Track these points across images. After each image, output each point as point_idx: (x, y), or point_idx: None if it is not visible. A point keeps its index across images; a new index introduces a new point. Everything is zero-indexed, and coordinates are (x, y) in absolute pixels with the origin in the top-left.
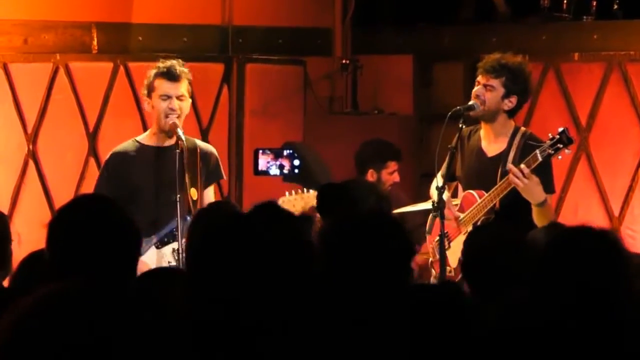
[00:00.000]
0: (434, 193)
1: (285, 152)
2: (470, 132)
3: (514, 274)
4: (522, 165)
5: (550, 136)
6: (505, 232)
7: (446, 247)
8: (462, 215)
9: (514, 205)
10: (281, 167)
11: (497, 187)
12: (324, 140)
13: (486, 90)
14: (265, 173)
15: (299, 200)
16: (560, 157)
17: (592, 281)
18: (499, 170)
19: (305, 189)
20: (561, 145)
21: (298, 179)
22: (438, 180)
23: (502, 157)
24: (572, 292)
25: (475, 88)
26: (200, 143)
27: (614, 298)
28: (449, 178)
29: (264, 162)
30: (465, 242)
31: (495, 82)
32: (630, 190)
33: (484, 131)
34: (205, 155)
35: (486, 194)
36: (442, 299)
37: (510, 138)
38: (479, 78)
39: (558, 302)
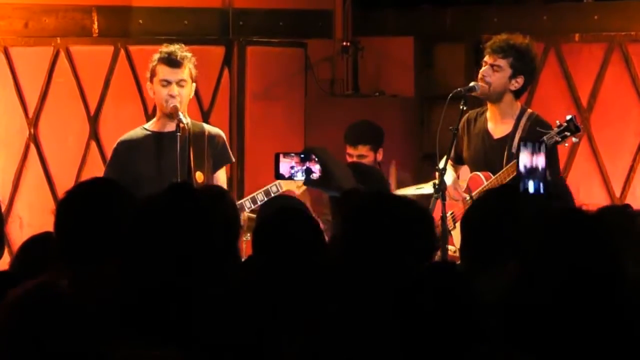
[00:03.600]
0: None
1: (308, 157)
2: (477, 115)
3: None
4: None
5: (558, 123)
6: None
7: (452, 227)
8: (468, 197)
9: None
10: (308, 171)
11: (505, 170)
12: (325, 122)
13: (493, 71)
14: (289, 178)
15: (293, 185)
16: (567, 144)
17: (584, 260)
18: (505, 152)
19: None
20: (568, 133)
21: (319, 184)
22: (441, 163)
23: (508, 139)
24: (564, 271)
25: (482, 68)
26: (208, 127)
27: (609, 277)
28: (456, 160)
29: (286, 166)
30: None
31: (502, 62)
32: (631, 171)
33: (490, 113)
34: (213, 138)
35: (493, 177)
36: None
37: (516, 120)
38: (486, 58)
39: (550, 279)
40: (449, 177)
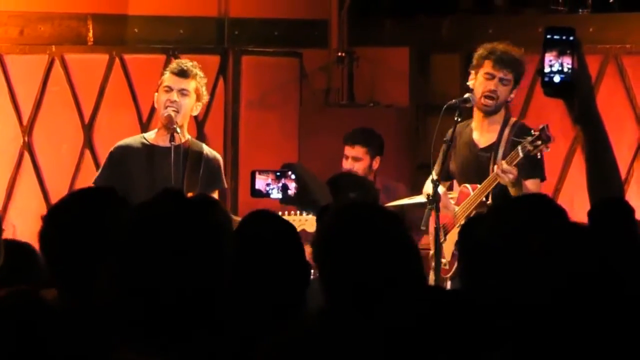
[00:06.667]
0: (428, 188)
1: (283, 174)
2: (462, 128)
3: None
4: (503, 162)
5: (532, 132)
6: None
7: (442, 239)
8: (457, 209)
9: (506, 198)
10: (284, 188)
11: (485, 182)
12: (319, 132)
13: (502, 85)
14: (265, 195)
15: (295, 223)
16: (539, 155)
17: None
18: (491, 163)
19: (300, 212)
20: (540, 142)
21: (295, 201)
22: (433, 175)
23: (493, 148)
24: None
25: (492, 81)
26: (207, 148)
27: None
28: (443, 176)
29: (262, 183)
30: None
31: (510, 76)
32: (625, 183)
33: (475, 122)
34: (210, 160)
35: (477, 188)
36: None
37: (501, 128)
38: (492, 70)
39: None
40: (440, 188)
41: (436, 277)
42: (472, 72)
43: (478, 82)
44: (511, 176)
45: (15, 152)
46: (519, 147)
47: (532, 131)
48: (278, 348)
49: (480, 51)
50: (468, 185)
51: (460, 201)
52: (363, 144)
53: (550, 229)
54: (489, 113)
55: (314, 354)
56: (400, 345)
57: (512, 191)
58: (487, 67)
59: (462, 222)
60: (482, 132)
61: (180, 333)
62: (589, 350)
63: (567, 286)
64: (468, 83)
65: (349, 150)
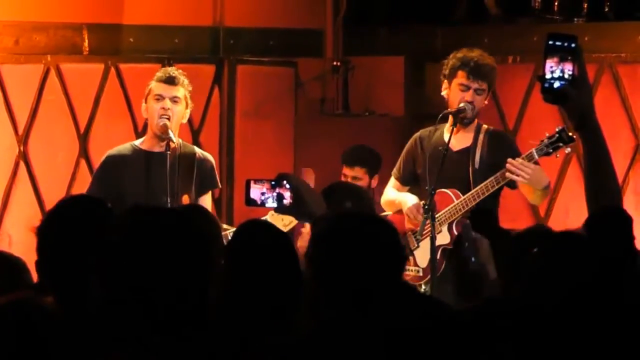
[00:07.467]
0: (388, 194)
1: (279, 183)
2: (429, 132)
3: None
4: (520, 160)
5: (548, 135)
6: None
7: (414, 246)
8: (436, 215)
9: (488, 204)
10: (279, 198)
11: (482, 186)
12: (315, 141)
13: (477, 95)
14: (260, 204)
15: (279, 221)
16: (557, 155)
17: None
18: (470, 167)
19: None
20: (561, 144)
21: (290, 211)
22: (429, 183)
23: (469, 152)
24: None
25: (467, 93)
26: (199, 150)
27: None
28: (405, 182)
29: (257, 192)
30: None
31: (485, 85)
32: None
33: (449, 128)
34: (202, 162)
35: (468, 193)
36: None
37: (475, 134)
38: (467, 82)
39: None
40: (412, 198)
41: (432, 282)
42: (445, 81)
43: (453, 92)
44: (525, 174)
45: (11, 162)
46: (534, 150)
47: (547, 133)
48: (279, 349)
49: (453, 61)
50: (448, 191)
51: (439, 206)
52: (362, 164)
53: (550, 237)
54: (465, 123)
55: (314, 354)
56: (399, 345)
57: (536, 195)
58: (461, 78)
59: (444, 228)
60: (455, 137)
61: (175, 333)
62: (587, 352)
63: (566, 290)
64: (442, 93)
65: (348, 171)
